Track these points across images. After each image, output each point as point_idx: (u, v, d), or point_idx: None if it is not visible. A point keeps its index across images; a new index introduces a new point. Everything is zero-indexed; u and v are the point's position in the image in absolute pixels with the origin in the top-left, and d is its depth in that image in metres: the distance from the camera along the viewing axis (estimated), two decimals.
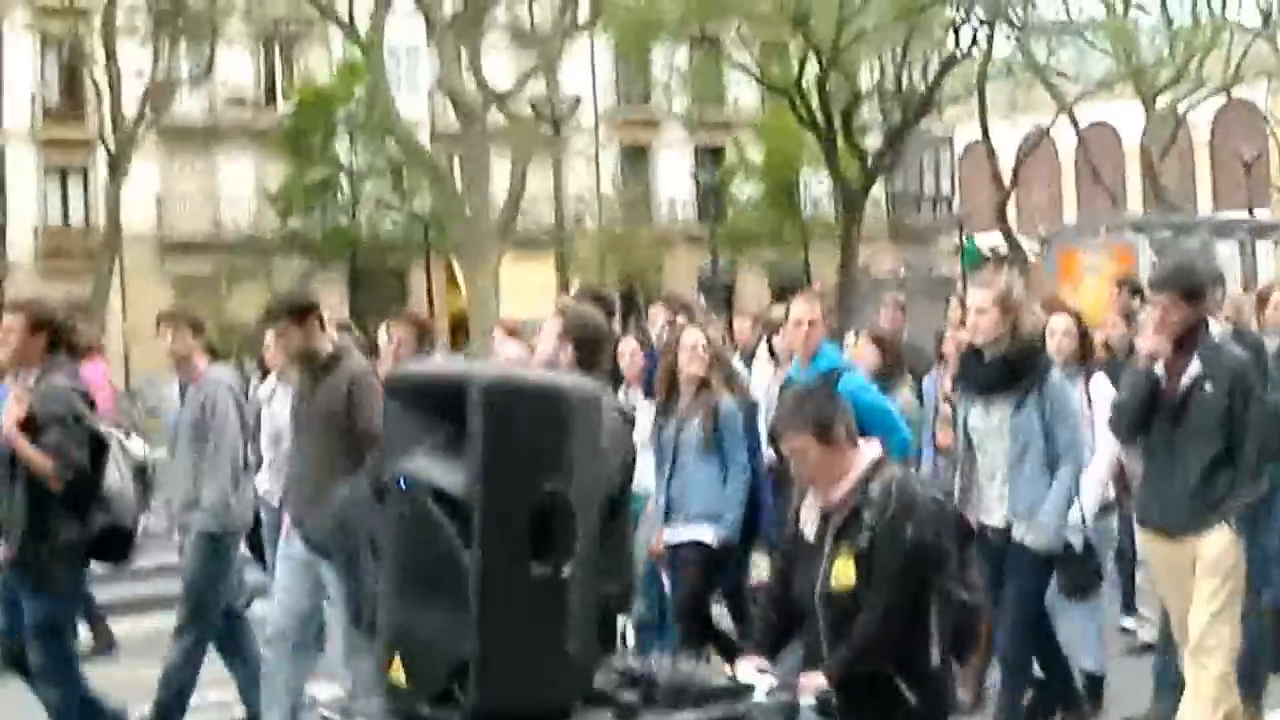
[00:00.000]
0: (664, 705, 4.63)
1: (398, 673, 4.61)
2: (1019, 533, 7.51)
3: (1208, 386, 6.97)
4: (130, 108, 37.46)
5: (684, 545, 8.42)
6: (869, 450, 5.21)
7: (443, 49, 34.05)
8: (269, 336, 9.05)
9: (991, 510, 7.63)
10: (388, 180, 44.79)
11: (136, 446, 9.79)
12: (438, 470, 4.53)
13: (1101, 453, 8.51)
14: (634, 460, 6.72)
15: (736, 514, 8.49)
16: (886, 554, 4.98)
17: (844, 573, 5.04)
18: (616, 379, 9.16)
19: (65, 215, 44.38)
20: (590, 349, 6.51)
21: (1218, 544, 7.00)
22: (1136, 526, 7.53)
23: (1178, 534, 7.10)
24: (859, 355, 9.55)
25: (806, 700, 4.94)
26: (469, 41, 34.04)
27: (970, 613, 5.16)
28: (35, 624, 7.77)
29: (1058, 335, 8.64)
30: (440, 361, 7.16)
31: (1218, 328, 7.25)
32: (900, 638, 5.00)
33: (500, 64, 38.05)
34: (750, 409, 8.80)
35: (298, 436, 8.11)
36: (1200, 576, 7.06)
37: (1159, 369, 7.09)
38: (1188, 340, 7.03)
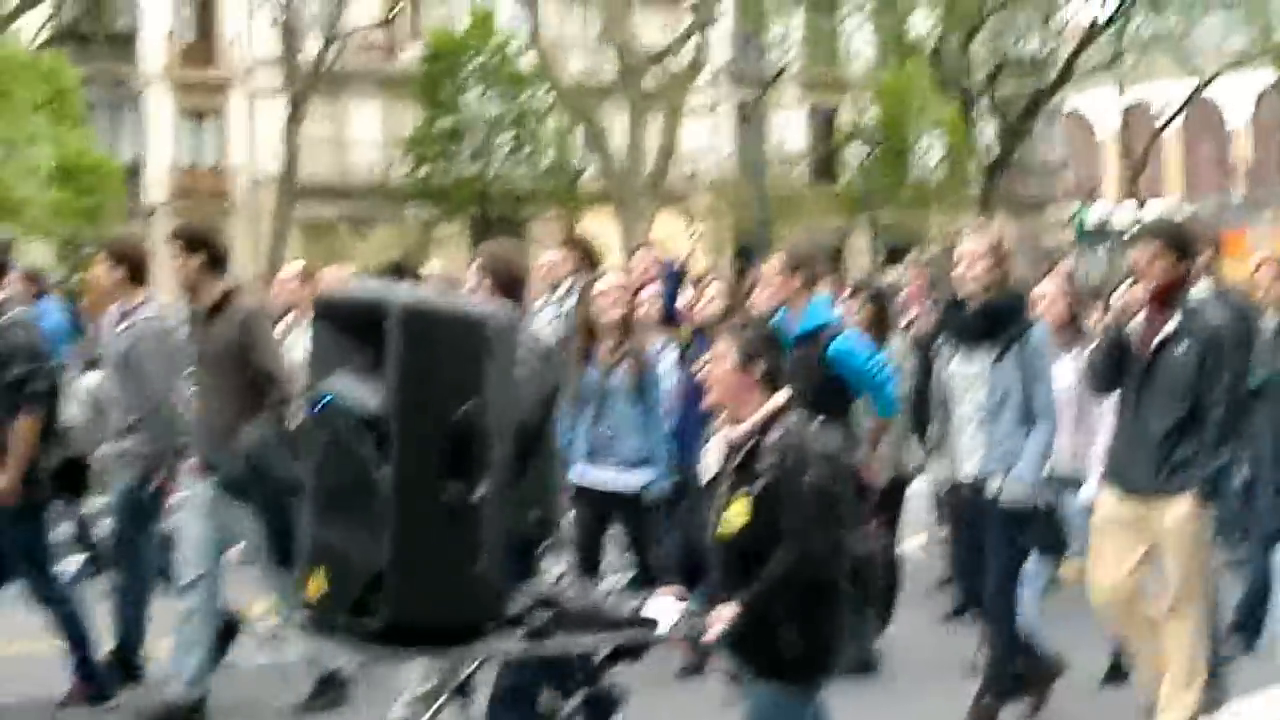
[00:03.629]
0: (572, 629, 4.73)
1: (317, 585, 4.74)
2: (993, 487, 7.41)
3: (1180, 346, 6.84)
4: (261, 51, 38.12)
5: (608, 493, 8.37)
6: (777, 397, 5.22)
7: (609, 3, 35.06)
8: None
9: (964, 461, 7.55)
10: (519, 130, 45.04)
11: (94, 380, 9.80)
12: (358, 390, 4.65)
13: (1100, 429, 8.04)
14: (556, 393, 6.88)
15: (665, 466, 8.49)
16: (789, 501, 4.99)
17: (736, 513, 5.06)
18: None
19: (197, 157, 45.09)
20: (505, 284, 6.82)
21: (1181, 513, 6.89)
22: (1098, 482, 7.39)
23: (1138, 495, 6.99)
24: (849, 310, 9.34)
25: (713, 632, 4.98)
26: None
27: (863, 564, 5.14)
28: (20, 556, 7.99)
29: (1045, 301, 8.44)
30: (364, 283, 7.22)
31: (1203, 288, 7.06)
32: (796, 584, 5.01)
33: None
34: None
35: (198, 375, 8.05)
36: (1168, 546, 6.97)
37: (1135, 324, 6.95)
38: (1169, 297, 6.88)
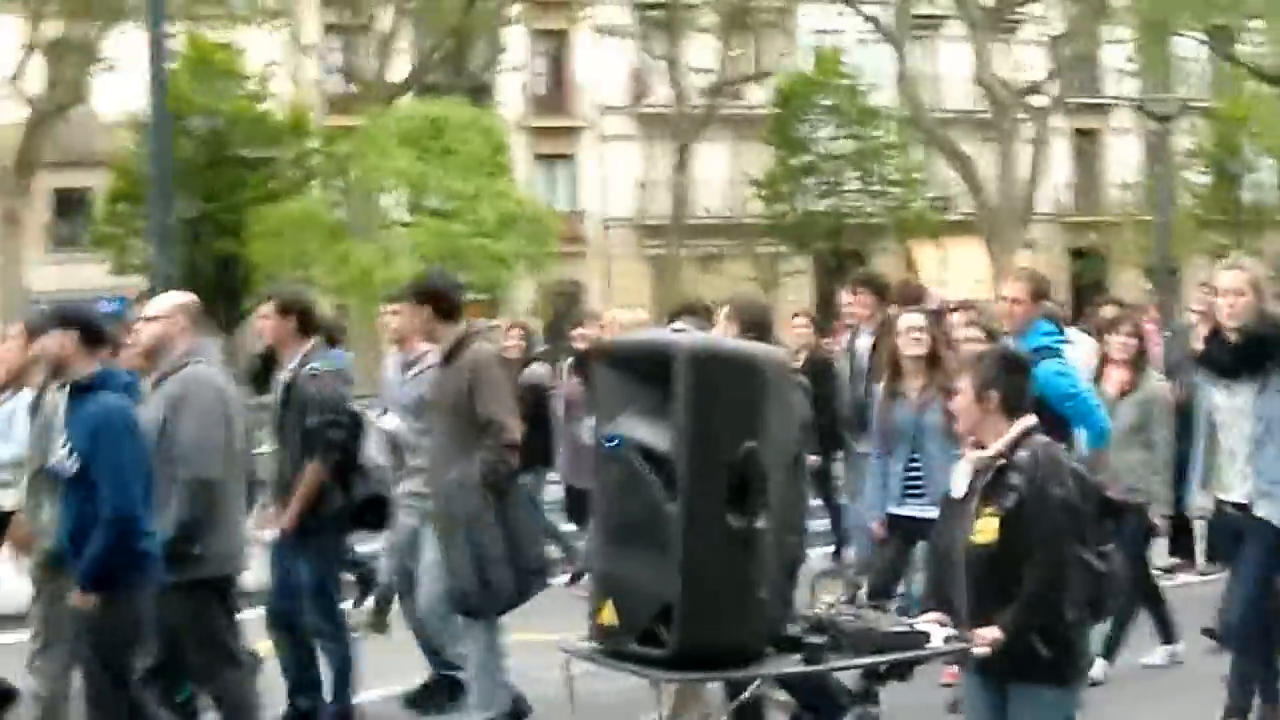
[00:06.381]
0: (847, 650, 4.98)
1: (609, 614, 5.08)
2: (1259, 509, 7.50)
3: None
4: (612, 97, 39.25)
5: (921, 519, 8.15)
6: (1023, 420, 5.43)
7: (979, 41, 36.33)
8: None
9: (1232, 488, 7.65)
10: (871, 166, 45.19)
11: (389, 422, 9.74)
12: (646, 430, 4.99)
13: None
14: (810, 424, 7.16)
15: None
16: (1037, 516, 5.19)
17: (986, 530, 5.26)
18: None
19: (551, 200, 46.37)
20: (751, 327, 7.34)
21: None
22: None
23: None
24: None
25: (979, 650, 5.18)
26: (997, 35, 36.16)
27: (1102, 579, 5.30)
28: (310, 587, 8.34)
29: None
30: (650, 330, 7.57)
31: None
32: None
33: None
34: None
35: (429, 418, 8.39)
36: None
37: None
38: None
